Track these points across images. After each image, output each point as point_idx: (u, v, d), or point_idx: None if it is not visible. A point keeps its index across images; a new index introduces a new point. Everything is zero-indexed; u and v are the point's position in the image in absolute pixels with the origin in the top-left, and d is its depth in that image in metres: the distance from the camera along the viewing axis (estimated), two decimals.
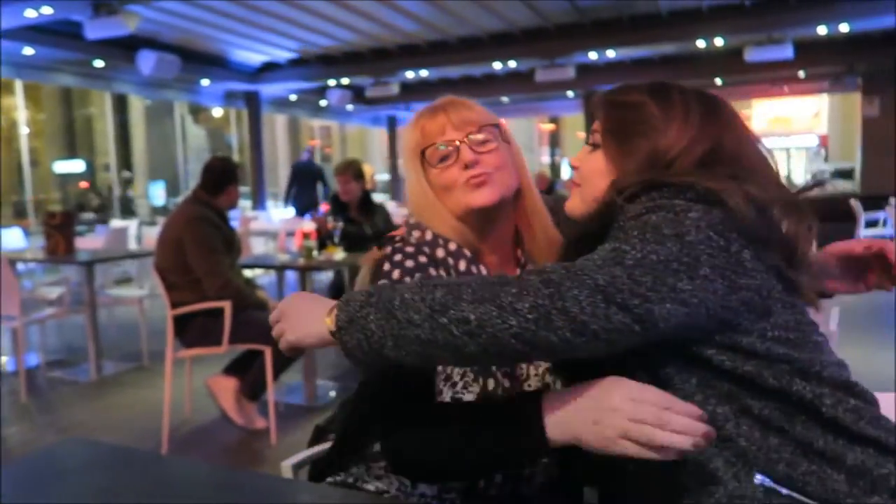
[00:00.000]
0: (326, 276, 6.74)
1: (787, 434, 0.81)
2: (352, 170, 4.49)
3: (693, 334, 0.81)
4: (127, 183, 19.62)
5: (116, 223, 8.53)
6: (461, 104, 1.15)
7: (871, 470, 0.80)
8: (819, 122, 20.98)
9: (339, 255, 3.84)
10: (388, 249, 1.10)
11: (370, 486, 1.08)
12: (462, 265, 1.09)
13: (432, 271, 1.07)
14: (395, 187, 16.29)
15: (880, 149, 11.29)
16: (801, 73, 11.93)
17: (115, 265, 6.19)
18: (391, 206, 8.62)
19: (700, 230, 0.80)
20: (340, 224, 4.06)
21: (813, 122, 20.83)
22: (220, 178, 3.41)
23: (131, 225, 8.12)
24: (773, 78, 12.05)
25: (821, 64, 10.88)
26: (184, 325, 3.23)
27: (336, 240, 3.98)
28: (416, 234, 1.12)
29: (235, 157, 10.79)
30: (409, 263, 1.06)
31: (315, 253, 3.80)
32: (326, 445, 1.18)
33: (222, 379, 3.40)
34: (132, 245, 7.23)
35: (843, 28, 8.77)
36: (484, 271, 1.10)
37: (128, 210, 17.23)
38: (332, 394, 3.96)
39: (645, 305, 0.77)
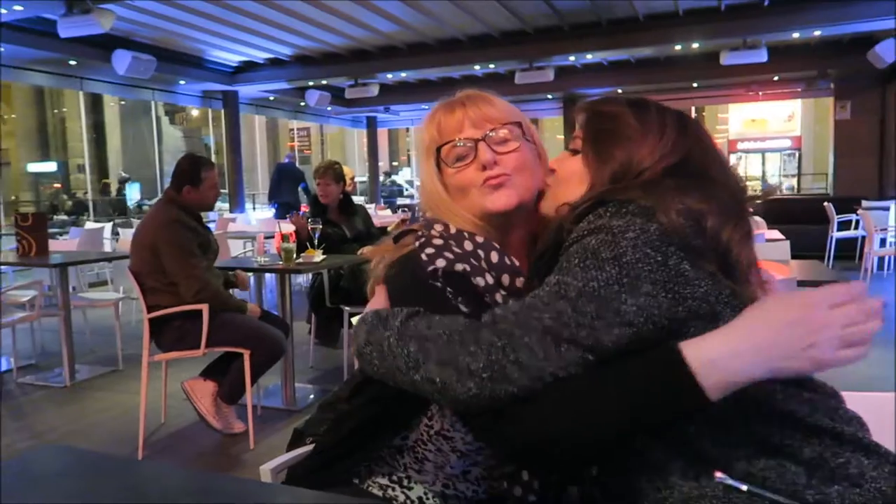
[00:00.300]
0: (305, 279, 6.70)
1: (744, 432, 0.83)
2: (332, 172, 4.47)
3: (647, 345, 0.82)
4: (122, 183, 19.35)
5: (90, 225, 8.40)
6: (481, 98, 1.09)
7: (828, 461, 0.82)
8: (793, 125, 21.31)
9: (318, 257, 3.82)
10: (416, 243, 1.04)
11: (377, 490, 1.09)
12: (494, 257, 1.02)
13: (466, 265, 1.01)
14: (374, 189, 16.25)
15: (852, 152, 11.50)
16: (776, 77, 12.11)
17: (90, 267, 6.10)
18: (370, 208, 8.58)
19: (637, 249, 0.82)
20: (319, 226, 4.03)
21: (787, 125, 21.15)
22: (188, 174, 3.31)
23: (106, 226, 8.01)
24: (749, 82, 12.22)
25: (794, 68, 11.06)
26: (160, 329, 3.20)
27: (315, 242, 3.96)
28: (437, 227, 1.06)
29: (213, 159, 10.66)
30: (448, 254, 1.01)
31: (294, 255, 3.77)
32: (306, 449, 1.17)
33: (200, 382, 3.35)
34: (107, 247, 7.12)
35: (816, 33, 8.93)
36: (513, 263, 1.04)
37: (121, 210, 17.01)
38: (311, 397, 3.93)
39: (593, 335, 0.80)
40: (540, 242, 1.03)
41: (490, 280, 1.00)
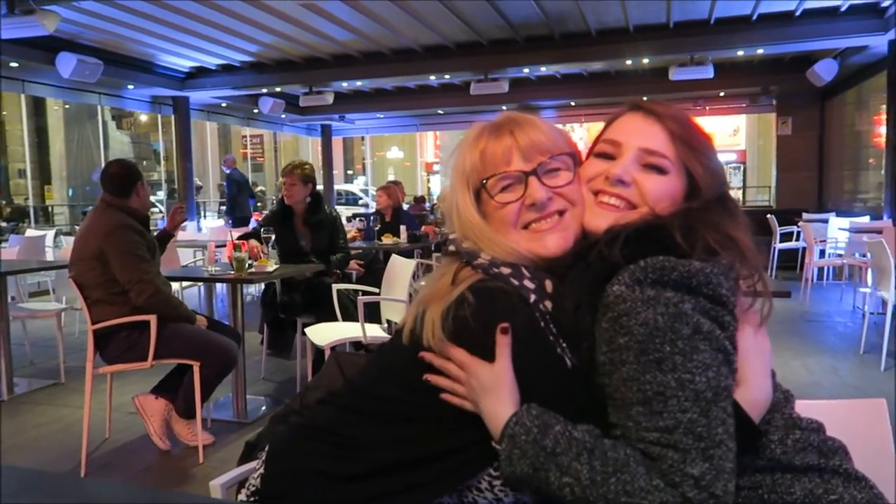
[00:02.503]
0: (258, 288, 6.59)
1: (739, 476, 0.85)
2: (300, 171, 4.21)
3: None
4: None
5: (31, 232, 8.10)
6: (529, 125, 1.00)
7: (820, 498, 0.86)
8: (738, 139, 22.02)
9: (271, 266, 3.76)
10: (484, 273, 0.96)
11: None
12: (549, 287, 0.95)
13: (549, 300, 0.95)
14: (328, 198, 16.11)
15: (793, 166, 11.95)
16: (722, 93, 12.51)
17: (31, 276, 5.87)
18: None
19: (700, 322, 0.83)
20: (272, 235, 3.96)
21: (732, 139, 21.85)
22: (126, 179, 3.21)
23: (48, 234, 7.74)
24: (696, 97, 12.58)
25: (739, 85, 11.44)
26: (107, 340, 3.09)
27: (268, 250, 3.90)
28: (484, 255, 0.98)
29: (162, 165, 10.39)
30: (529, 284, 0.94)
31: (246, 264, 3.70)
32: (257, 463, 1.14)
33: (151, 400, 3.25)
34: (49, 255, 6.88)
35: (759, 51, 9.26)
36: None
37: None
38: (263, 408, 3.86)
39: (714, 432, 0.80)
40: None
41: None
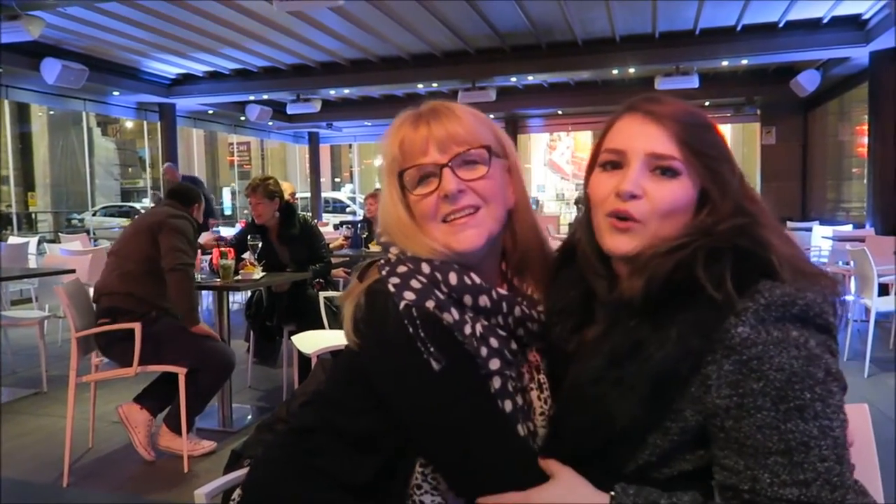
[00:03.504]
0: (242, 296, 6.55)
1: None
2: (263, 189, 4.02)
3: None
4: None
5: (14, 239, 8.00)
6: (447, 115, 0.98)
7: None
8: None
9: (257, 274, 3.74)
10: (381, 272, 0.95)
11: None
12: (453, 278, 0.94)
13: (455, 311, 0.92)
14: (315, 206, 16.07)
15: (777, 175, 12.09)
16: (707, 103, 12.64)
17: (13, 284, 5.80)
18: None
19: (828, 363, 0.79)
20: (259, 243, 3.94)
21: None
22: (191, 193, 3.56)
23: (31, 241, 7.65)
24: None
25: (723, 95, 11.57)
26: (115, 317, 3.13)
27: (254, 258, 3.88)
28: (394, 250, 0.98)
29: (148, 172, 10.33)
30: (416, 283, 0.92)
31: (232, 272, 3.68)
32: (243, 472, 1.13)
33: (136, 411, 3.21)
34: (32, 263, 6.80)
35: (743, 62, 9.37)
36: (475, 282, 0.96)
37: None
38: (249, 417, 3.83)
39: (846, 477, 0.77)
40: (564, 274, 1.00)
41: (456, 313, 0.92)
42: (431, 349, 0.88)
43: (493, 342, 0.94)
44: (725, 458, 0.79)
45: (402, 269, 0.94)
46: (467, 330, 0.92)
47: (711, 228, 0.86)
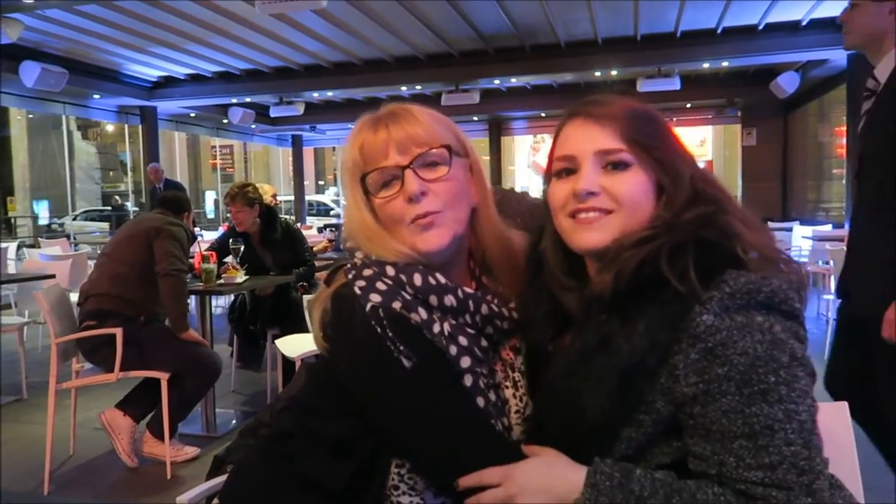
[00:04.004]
0: (226, 300, 6.51)
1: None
2: (242, 197, 3.97)
3: None
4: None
5: None
6: (406, 117, 0.98)
7: None
8: (705, 150, 22.43)
9: (240, 277, 3.72)
10: (347, 276, 0.95)
11: None
12: (417, 279, 0.94)
13: (422, 311, 0.92)
14: (299, 209, 16.01)
15: (758, 176, 12.22)
16: (688, 105, 12.76)
17: None
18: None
19: (794, 347, 0.80)
20: (241, 246, 3.92)
21: (700, 150, 22.22)
22: (183, 202, 3.56)
23: (10, 246, 7.55)
24: (664, 108, 12.79)
25: (705, 96, 11.68)
26: (101, 320, 3.09)
27: (236, 261, 3.85)
28: (359, 254, 0.98)
29: (129, 176, 10.18)
30: (381, 285, 0.92)
31: (215, 276, 3.65)
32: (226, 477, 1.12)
33: (119, 417, 3.18)
34: (11, 268, 6.71)
35: (724, 64, 9.47)
36: (440, 281, 0.96)
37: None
38: (234, 422, 3.80)
39: (815, 463, 0.77)
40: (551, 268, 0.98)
41: (423, 313, 0.93)
42: (401, 348, 0.89)
43: (462, 340, 0.94)
44: (695, 446, 0.81)
45: (367, 272, 0.94)
46: (436, 329, 0.92)
47: (676, 220, 0.86)
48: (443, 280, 0.95)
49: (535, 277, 1.02)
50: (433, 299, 0.94)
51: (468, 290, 0.98)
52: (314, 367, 1.07)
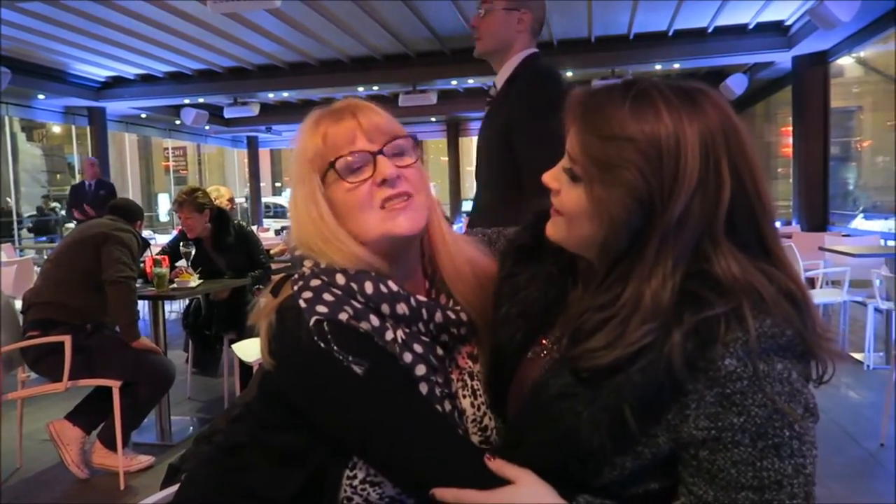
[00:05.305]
0: (180, 304, 6.37)
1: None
2: (191, 203, 3.87)
3: None
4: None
5: None
6: (369, 108, 0.98)
7: None
8: None
9: (194, 281, 3.64)
10: (293, 287, 0.92)
11: None
12: (369, 287, 0.91)
13: (374, 319, 0.90)
14: (255, 211, 15.79)
15: None
16: None
17: None
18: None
19: (807, 397, 0.78)
20: (193, 250, 3.84)
21: None
22: (136, 211, 3.51)
23: None
24: None
25: None
26: (42, 348, 2.97)
27: (188, 265, 3.78)
28: (307, 262, 0.95)
29: (77, 178, 9.80)
30: (328, 296, 0.89)
31: (167, 280, 3.57)
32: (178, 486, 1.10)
33: (68, 427, 3.08)
34: None
35: (675, 66, 9.68)
36: (391, 289, 0.94)
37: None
38: (190, 429, 3.73)
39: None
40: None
41: (375, 321, 0.90)
42: (350, 357, 0.86)
43: (417, 348, 0.92)
44: (695, 486, 0.78)
45: (314, 282, 0.91)
46: (388, 336, 0.90)
47: (681, 312, 0.77)
48: (395, 288, 0.93)
49: (518, 268, 1.00)
50: (385, 308, 0.92)
51: (421, 298, 0.96)
52: (265, 377, 1.05)
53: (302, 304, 0.89)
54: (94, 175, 8.41)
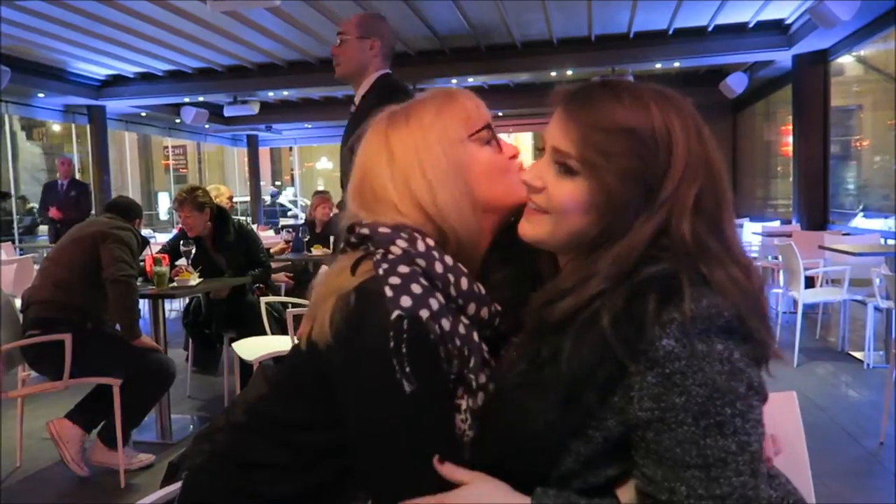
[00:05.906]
0: (180, 303, 6.37)
1: None
2: (191, 202, 3.89)
3: None
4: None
5: None
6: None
7: None
8: None
9: (194, 280, 3.64)
10: (378, 269, 0.89)
11: None
12: (464, 283, 0.92)
13: (446, 322, 0.88)
14: (255, 210, 15.77)
15: None
16: None
17: None
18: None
19: (751, 376, 0.79)
20: (193, 248, 3.84)
21: None
22: (135, 209, 3.49)
23: None
24: None
25: None
26: (42, 347, 2.96)
27: (188, 263, 3.78)
28: (400, 243, 0.92)
29: (78, 177, 9.77)
30: (416, 287, 0.88)
31: (167, 279, 3.57)
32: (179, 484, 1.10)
33: (68, 426, 3.08)
34: None
35: (675, 64, 9.67)
36: (480, 291, 0.95)
37: None
38: (191, 428, 3.73)
39: (760, 490, 0.78)
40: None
41: (447, 325, 0.88)
42: (407, 370, 0.85)
43: (482, 350, 0.93)
44: (645, 468, 0.80)
45: (403, 269, 0.89)
46: (457, 342, 0.89)
47: (632, 273, 0.82)
48: (483, 291, 0.95)
49: (503, 264, 1.03)
50: (471, 308, 0.93)
51: (485, 293, 0.97)
52: (276, 375, 1.05)
53: (388, 291, 0.87)
54: (66, 174, 8.30)
